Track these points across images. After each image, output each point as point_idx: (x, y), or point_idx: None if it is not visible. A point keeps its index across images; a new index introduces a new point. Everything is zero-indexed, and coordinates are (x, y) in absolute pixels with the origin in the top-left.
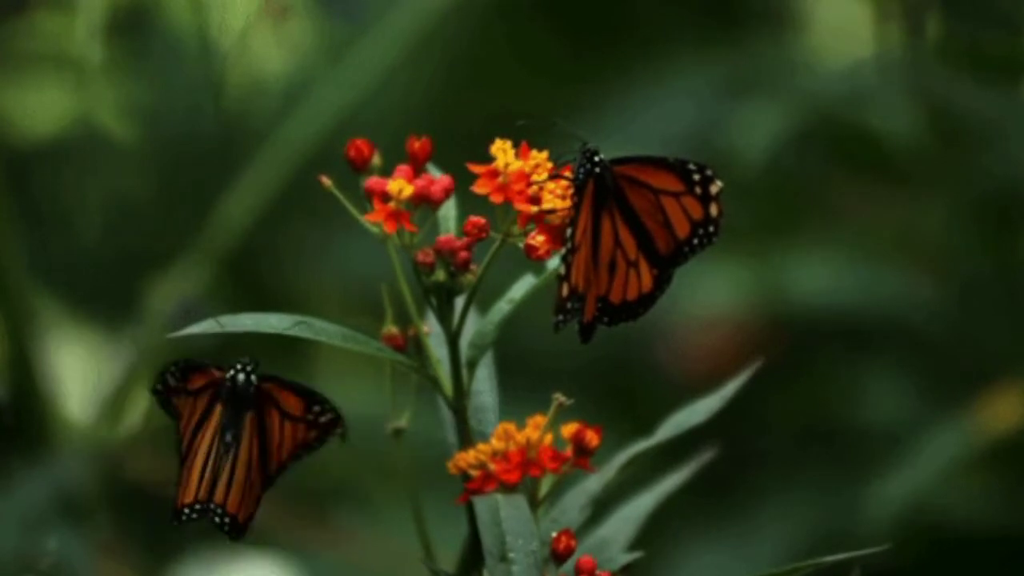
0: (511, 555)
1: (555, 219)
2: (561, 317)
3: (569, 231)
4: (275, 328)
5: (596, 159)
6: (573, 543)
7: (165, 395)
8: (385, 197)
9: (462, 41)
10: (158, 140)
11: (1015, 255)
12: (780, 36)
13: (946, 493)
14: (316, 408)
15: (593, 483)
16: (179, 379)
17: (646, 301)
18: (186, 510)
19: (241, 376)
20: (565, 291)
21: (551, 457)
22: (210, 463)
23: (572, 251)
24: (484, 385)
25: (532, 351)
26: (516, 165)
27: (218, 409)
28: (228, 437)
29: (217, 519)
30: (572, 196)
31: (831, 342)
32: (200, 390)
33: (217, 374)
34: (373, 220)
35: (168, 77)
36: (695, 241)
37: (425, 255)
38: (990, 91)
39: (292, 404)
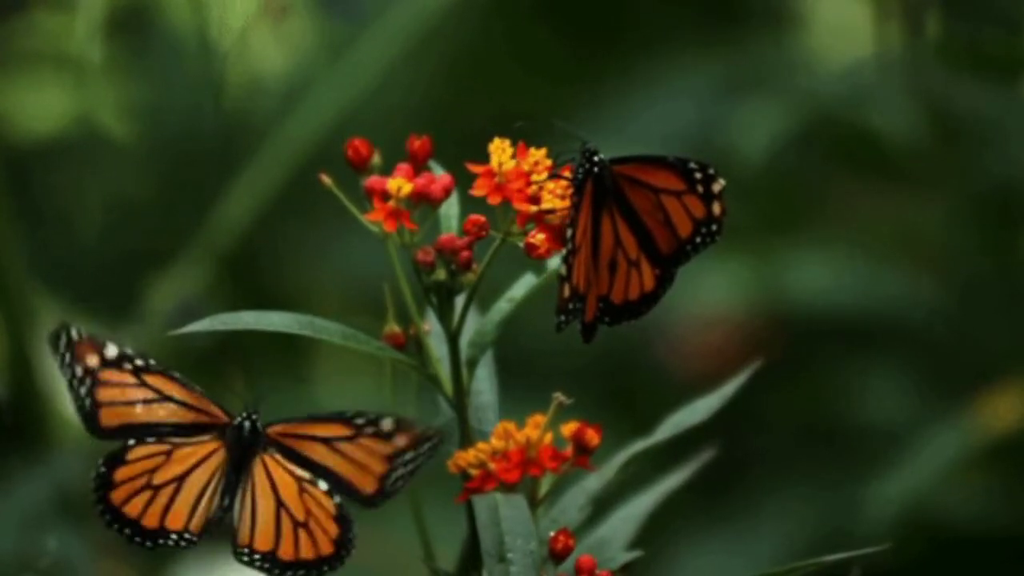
0: (509, 555)
1: (554, 218)
2: (563, 318)
3: (569, 232)
4: (276, 326)
5: (595, 159)
6: (571, 542)
7: (72, 349)
8: (385, 196)
9: (462, 41)
10: (158, 140)
11: (1015, 255)
12: (780, 36)
13: (946, 493)
14: (359, 421)
15: (593, 482)
16: (133, 364)
17: (648, 300)
18: (175, 536)
19: (247, 424)
20: (567, 292)
21: (551, 456)
22: (204, 500)
23: (573, 252)
24: (484, 384)
25: (532, 350)
26: (511, 164)
27: (219, 450)
28: (226, 500)
29: (255, 562)
30: (572, 196)
31: (831, 341)
32: (169, 397)
33: (214, 409)
34: (373, 219)
35: (168, 77)
36: (697, 240)
37: (425, 254)
38: (990, 91)
39: (330, 429)
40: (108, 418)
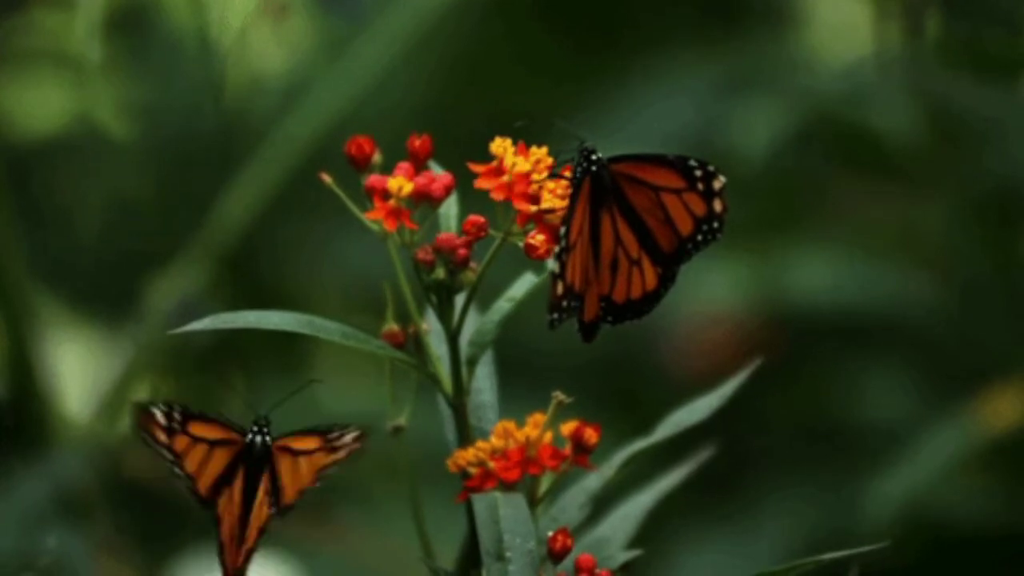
0: (508, 554)
1: (554, 218)
2: (556, 315)
3: (563, 229)
4: (276, 325)
5: (593, 158)
6: (570, 542)
7: (149, 427)
8: (385, 195)
9: (461, 40)
10: (157, 139)
11: (1015, 255)
12: (780, 34)
13: (946, 491)
14: (332, 436)
15: (592, 481)
16: (176, 420)
17: (651, 299)
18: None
19: (259, 439)
20: (560, 289)
21: (550, 455)
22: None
23: (567, 249)
24: (484, 383)
25: (532, 349)
26: (525, 167)
27: (242, 472)
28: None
29: None
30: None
31: (831, 340)
32: (214, 443)
33: (233, 434)
34: (373, 218)
35: (168, 76)
36: (699, 238)
37: (425, 253)
38: (990, 90)
39: (308, 443)
40: (204, 487)
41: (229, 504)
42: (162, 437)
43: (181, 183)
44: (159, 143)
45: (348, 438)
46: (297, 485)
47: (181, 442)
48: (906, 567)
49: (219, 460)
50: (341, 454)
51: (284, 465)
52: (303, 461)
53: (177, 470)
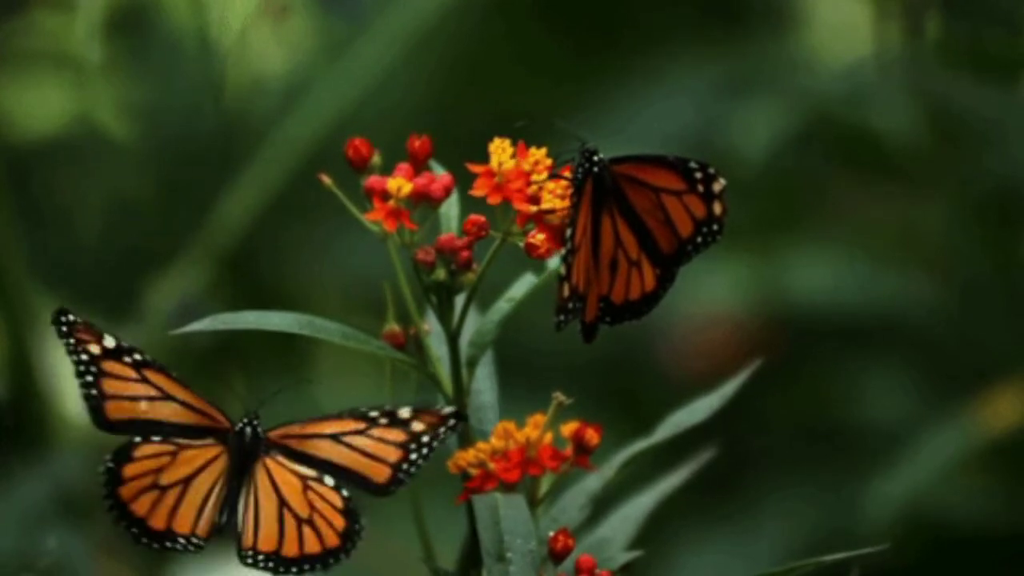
0: (509, 554)
1: (554, 218)
2: (562, 317)
3: (568, 231)
4: (277, 326)
5: (594, 159)
6: (571, 542)
7: (78, 333)
8: (385, 195)
9: (461, 40)
10: (158, 139)
11: (1015, 255)
12: (780, 35)
13: (946, 491)
14: (375, 415)
15: (593, 482)
16: (130, 358)
17: (649, 300)
18: (182, 540)
19: (248, 430)
20: (566, 291)
21: (551, 456)
22: (210, 505)
23: (572, 251)
24: (484, 384)
25: (532, 350)
26: (511, 164)
27: (222, 455)
28: (229, 505)
29: (259, 563)
30: (571, 196)
31: (831, 341)
32: (169, 396)
33: (211, 409)
34: (373, 219)
35: (168, 77)
36: (699, 239)
37: (425, 253)
38: (990, 91)
39: (344, 425)
40: (114, 411)
41: (177, 462)
42: (93, 349)
43: (181, 183)
44: (159, 143)
45: (405, 412)
46: (382, 463)
47: (113, 367)
48: (906, 567)
49: (165, 412)
50: (419, 427)
51: (332, 451)
52: (363, 441)
53: (89, 379)
